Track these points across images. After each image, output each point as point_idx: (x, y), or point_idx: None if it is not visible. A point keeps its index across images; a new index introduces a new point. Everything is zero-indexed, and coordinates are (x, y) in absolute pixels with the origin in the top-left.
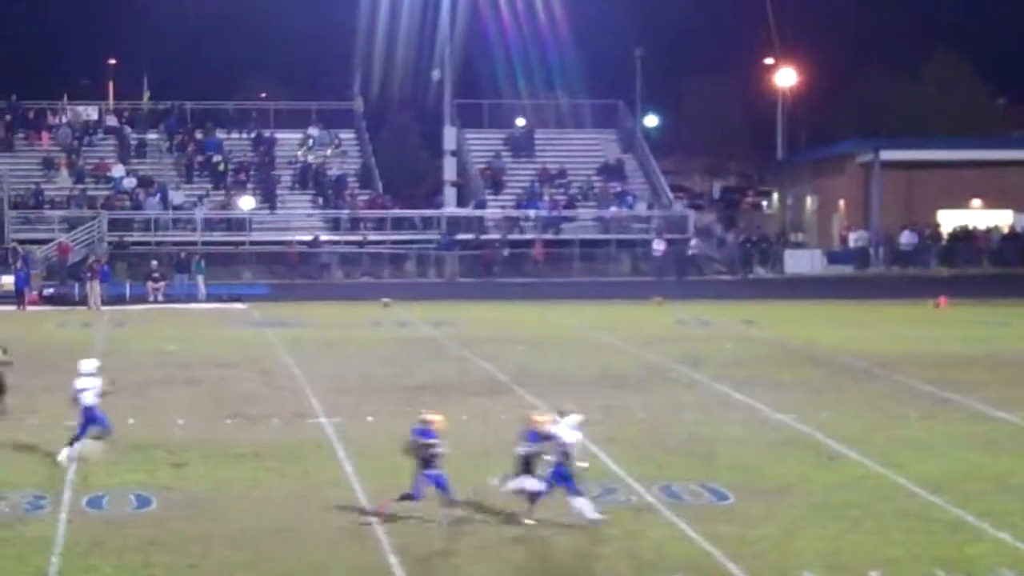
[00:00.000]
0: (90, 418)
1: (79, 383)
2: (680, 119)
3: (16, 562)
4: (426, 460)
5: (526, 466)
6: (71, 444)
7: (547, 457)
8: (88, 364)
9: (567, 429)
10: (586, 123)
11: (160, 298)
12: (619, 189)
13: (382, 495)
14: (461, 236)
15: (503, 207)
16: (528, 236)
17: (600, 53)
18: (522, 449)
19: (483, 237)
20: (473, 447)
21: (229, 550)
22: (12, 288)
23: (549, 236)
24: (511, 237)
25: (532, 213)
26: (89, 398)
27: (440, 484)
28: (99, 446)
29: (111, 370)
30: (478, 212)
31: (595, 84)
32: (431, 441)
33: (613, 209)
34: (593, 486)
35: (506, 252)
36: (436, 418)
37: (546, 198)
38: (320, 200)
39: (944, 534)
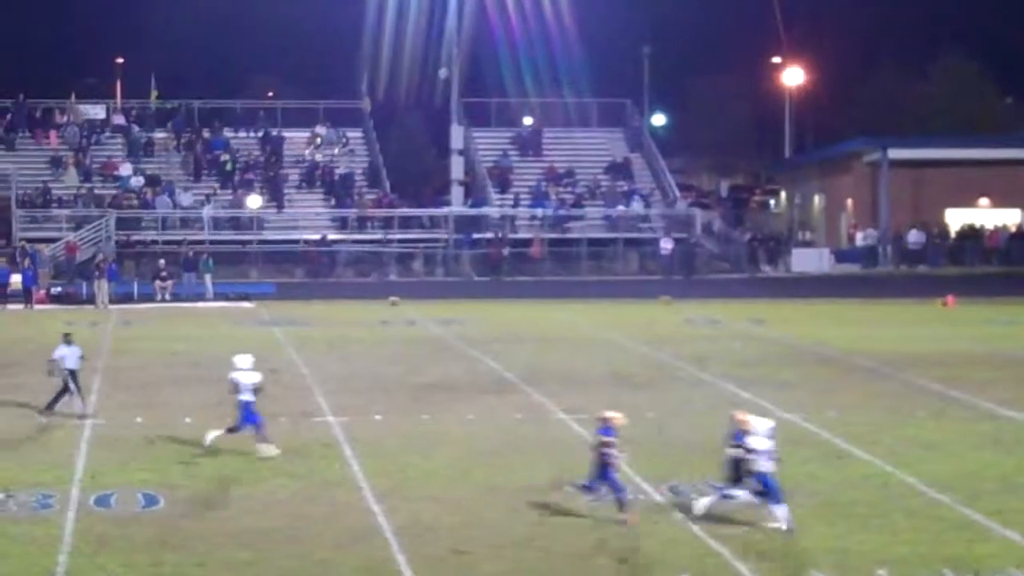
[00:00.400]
0: (246, 414)
1: (236, 376)
2: (688, 118)
3: (24, 561)
4: (604, 458)
5: (736, 468)
6: (228, 431)
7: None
8: (244, 359)
9: (759, 436)
10: (593, 122)
11: (167, 297)
12: (626, 188)
13: (389, 494)
14: (480, 235)
15: (501, 206)
16: (526, 235)
17: (607, 52)
18: (731, 451)
19: (504, 236)
20: (481, 445)
21: (236, 549)
22: (18, 287)
23: (554, 235)
24: (515, 236)
25: (539, 212)
26: (246, 394)
27: (610, 483)
28: (271, 448)
29: (120, 368)
30: (487, 211)
31: (602, 83)
32: (608, 439)
33: (620, 208)
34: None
35: (506, 251)
36: (616, 415)
37: (553, 197)
38: (328, 199)
39: (952, 533)
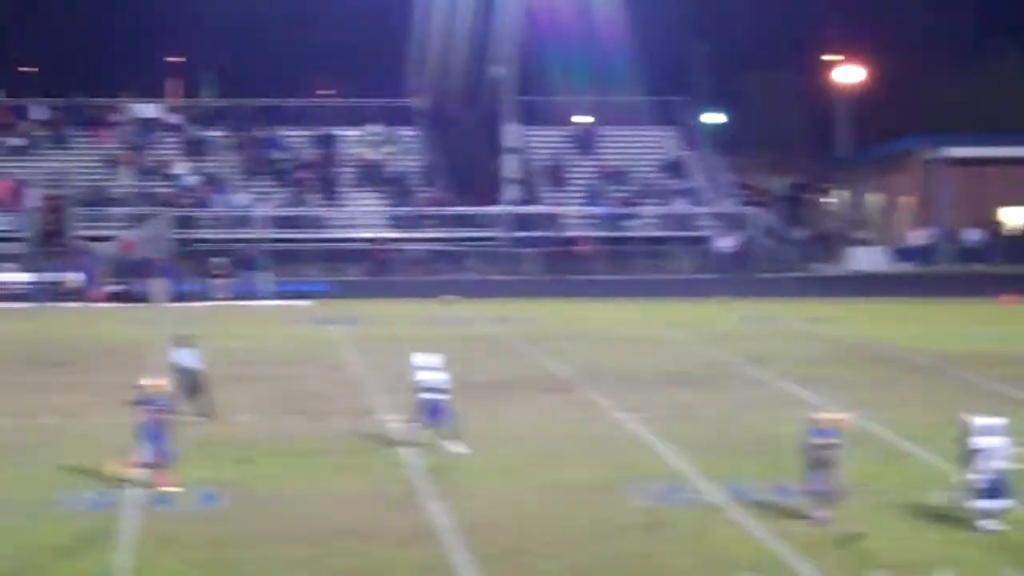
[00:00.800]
0: (434, 411)
1: (420, 376)
2: (743, 115)
3: (86, 558)
4: (820, 461)
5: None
6: (432, 439)
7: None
8: (427, 358)
9: (991, 435)
10: (648, 120)
11: (224, 295)
12: (681, 186)
13: (447, 493)
14: (539, 234)
15: (556, 204)
16: (580, 234)
17: (662, 49)
18: (969, 447)
19: (564, 235)
20: (538, 444)
21: (295, 547)
22: (78, 285)
23: (609, 233)
24: (570, 235)
25: (594, 210)
26: (432, 392)
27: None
28: (457, 444)
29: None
30: (542, 209)
31: (657, 80)
32: (831, 440)
33: (675, 206)
34: (658, 484)
35: (566, 250)
36: (838, 416)
37: (608, 195)
38: (384, 197)
39: (1014, 534)
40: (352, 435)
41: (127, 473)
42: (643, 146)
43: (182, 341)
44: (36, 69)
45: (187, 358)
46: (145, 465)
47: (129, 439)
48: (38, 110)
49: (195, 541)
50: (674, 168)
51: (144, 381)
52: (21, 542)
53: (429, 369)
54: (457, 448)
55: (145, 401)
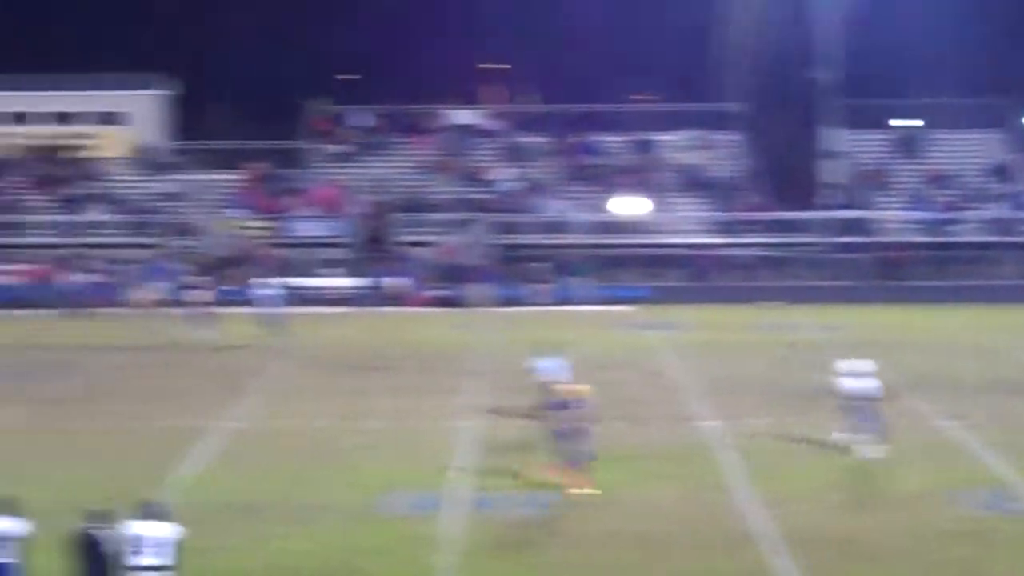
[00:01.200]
0: (862, 417)
1: (846, 382)
2: None
3: (409, 561)
4: None
5: None
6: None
7: None
8: (857, 364)
9: None
10: (974, 123)
11: (543, 300)
12: (1007, 190)
13: (769, 499)
14: (866, 239)
15: (879, 209)
16: (906, 239)
17: (990, 50)
18: None
19: (896, 241)
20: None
21: (620, 551)
22: (401, 290)
23: (935, 239)
24: (897, 240)
25: (919, 215)
26: (862, 399)
27: None
28: (879, 449)
29: (499, 371)
30: (866, 214)
31: (984, 83)
32: None
33: (1001, 210)
34: (983, 492)
35: (898, 255)
36: None
37: (932, 200)
38: (704, 202)
39: None
40: (671, 441)
41: (544, 478)
42: (968, 150)
43: (543, 350)
44: (357, 76)
45: (551, 368)
46: (561, 468)
47: (449, 443)
48: (358, 117)
49: (517, 544)
50: (1000, 172)
51: (560, 385)
52: (344, 544)
53: (858, 376)
54: (877, 454)
55: (561, 404)
